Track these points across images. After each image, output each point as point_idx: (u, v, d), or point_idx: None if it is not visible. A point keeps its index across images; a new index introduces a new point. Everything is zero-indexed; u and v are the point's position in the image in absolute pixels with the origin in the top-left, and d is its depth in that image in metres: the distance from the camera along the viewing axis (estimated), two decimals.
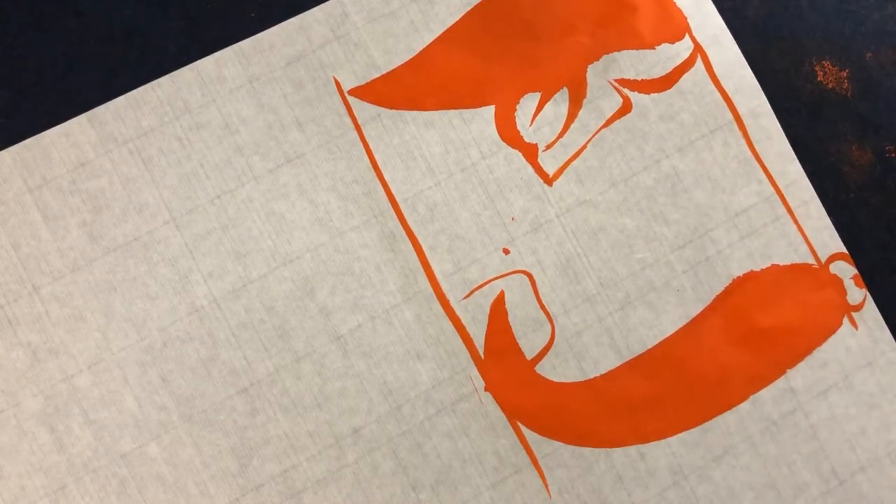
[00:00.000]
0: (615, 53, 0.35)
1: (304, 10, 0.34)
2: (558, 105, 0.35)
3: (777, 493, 0.34)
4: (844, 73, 0.36)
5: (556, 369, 0.34)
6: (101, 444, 0.32)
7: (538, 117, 0.35)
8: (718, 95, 0.35)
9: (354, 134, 0.34)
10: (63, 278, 0.32)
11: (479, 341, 0.34)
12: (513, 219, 0.34)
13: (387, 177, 0.34)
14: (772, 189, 0.35)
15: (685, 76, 0.35)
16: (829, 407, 0.34)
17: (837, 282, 0.35)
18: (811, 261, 0.35)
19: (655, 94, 0.35)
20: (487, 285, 0.34)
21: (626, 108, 0.35)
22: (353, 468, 0.33)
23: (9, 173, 0.33)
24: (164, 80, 0.34)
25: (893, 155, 0.36)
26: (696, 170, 0.35)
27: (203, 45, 0.34)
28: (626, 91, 0.35)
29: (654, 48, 0.35)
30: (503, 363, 0.34)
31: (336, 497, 0.32)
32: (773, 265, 0.35)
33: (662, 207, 0.35)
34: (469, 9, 0.35)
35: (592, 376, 0.34)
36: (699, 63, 0.35)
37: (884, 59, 0.36)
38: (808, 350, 0.34)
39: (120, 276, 0.33)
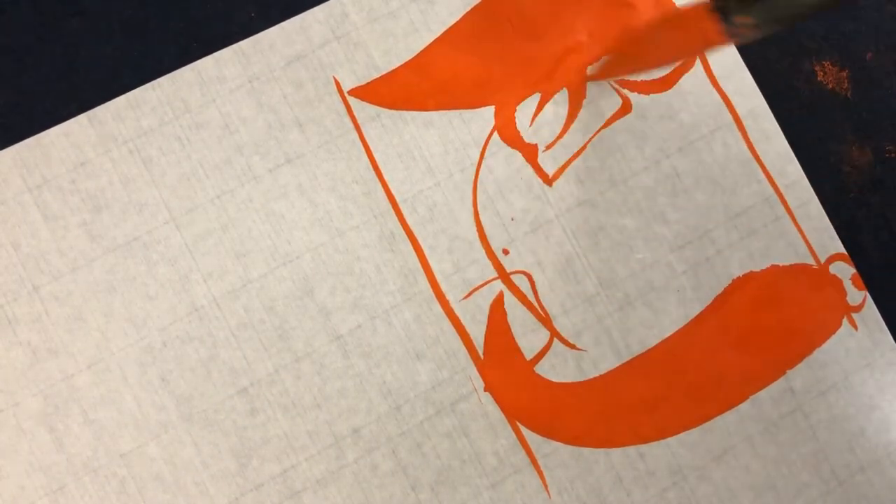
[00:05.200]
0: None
1: (304, 10, 0.34)
2: (558, 105, 0.35)
3: (777, 493, 0.34)
4: (844, 73, 0.36)
5: (556, 369, 0.34)
6: (100, 443, 0.32)
7: (538, 118, 0.35)
8: (718, 97, 0.35)
9: (354, 134, 0.34)
10: (63, 278, 0.32)
11: (479, 342, 0.34)
12: (512, 219, 0.34)
13: (386, 177, 0.34)
14: (771, 189, 0.35)
15: (684, 77, 0.35)
16: (828, 407, 0.34)
17: (837, 282, 0.35)
18: (811, 261, 0.35)
19: (655, 94, 0.35)
20: (487, 286, 0.34)
21: (625, 108, 0.35)
22: (352, 468, 0.33)
23: (9, 173, 0.33)
24: (163, 80, 0.34)
25: (893, 155, 0.36)
26: (696, 170, 0.35)
27: (203, 45, 0.34)
28: (625, 91, 0.35)
29: None
30: (503, 363, 0.34)
31: (335, 497, 0.32)
32: (772, 266, 0.35)
33: (662, 207, 0.35)
34: (469, 9, 0.35)
35: (592, 376, 0.34)
36: (698, 65, 0.35)
37: (884, 59, 0.36)
38: (808, 351, 0.34)
39: (120, 275, 0.33)
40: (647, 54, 0.33)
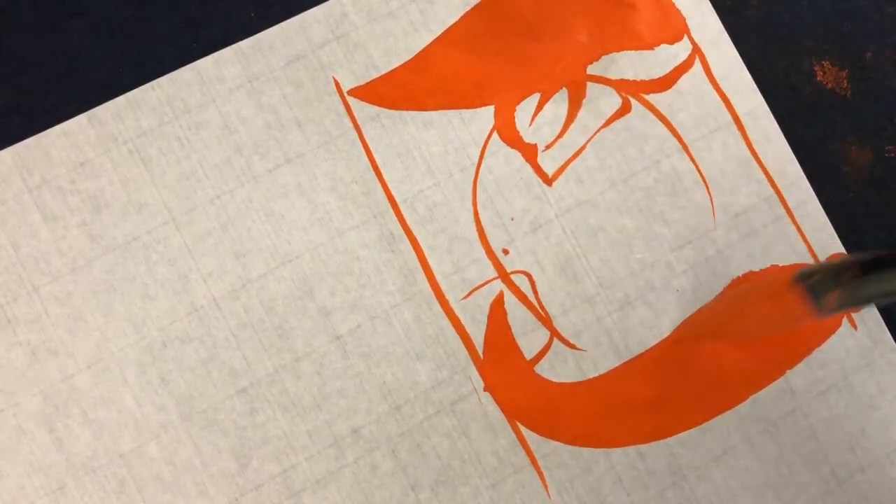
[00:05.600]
0: (614, 54, 0.35)
1: (304, 10, 0.34)
2: (558, 105, 0.35)
3: (776, 493, 0.34)
4: (844, 73, 0.36)
5: (556, 369, 0.34)
6: (100, 443, 0.32)
7: (538, 117, 0.35)
8: (717, 96, 0.35)
9: (354, 134, 0.34)
10: (62, 278, 0.33)
11: (479, 341, 0.34)
12: (512, 219, 0.34)
13: (386, 177, 0.34)
14: (771, 189, 0.35)
15: (684, 77, 0.35)
16: (828, 407, 0.34)
17: None
18: (811, 261, 0.35)
19: (655, 94, 0.35)
20: (487, 285, 0.34)
21: (625, 108, 0.35)
22: (352, 468, 0.33)
23: (8, 173, 0.33)
24: (163, 80, 0.34)
25: (893, 155, 0.36)
26: (696, 170, 0.35)
27: (203, 45, 0.34)
28: (625, 91, 0.35)
29: (652, 49, 0.35)
30: (502, 363, 0.34)
31: (335, 497, 0.32)
32: (772, 265, 0.35)
33: (662, 207, 0.35)
34: (469, 9, 0.35)
35: (592, 376, 0.34)
36: (697, 64, 0.35)
37: (884, 59, 0.36)
38: (808, 351, 0.34)
39: (119, 275, 0.33)
40: (733, 323, 0.33)
